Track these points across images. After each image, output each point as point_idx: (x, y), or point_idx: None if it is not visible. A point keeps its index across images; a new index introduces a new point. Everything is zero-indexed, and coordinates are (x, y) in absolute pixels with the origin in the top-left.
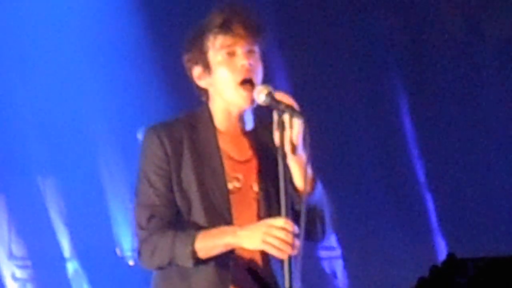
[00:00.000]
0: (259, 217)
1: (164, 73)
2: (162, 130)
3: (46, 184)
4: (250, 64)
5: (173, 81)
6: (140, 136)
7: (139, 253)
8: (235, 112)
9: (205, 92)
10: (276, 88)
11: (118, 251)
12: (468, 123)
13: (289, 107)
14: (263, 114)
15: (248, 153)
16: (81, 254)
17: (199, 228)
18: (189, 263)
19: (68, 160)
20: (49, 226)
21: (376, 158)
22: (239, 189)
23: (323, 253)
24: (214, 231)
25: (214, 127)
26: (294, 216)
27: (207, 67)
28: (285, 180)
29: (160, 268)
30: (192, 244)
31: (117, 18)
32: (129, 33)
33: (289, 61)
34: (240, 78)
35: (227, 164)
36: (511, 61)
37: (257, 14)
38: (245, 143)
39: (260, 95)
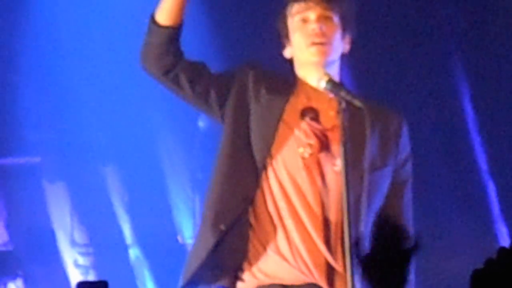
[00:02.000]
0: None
1: (224, 59)
2: (259, 69)
3: (107, 172)
4: (320, 28)
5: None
6: (201, 123)
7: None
8: (311, 73)
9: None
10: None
11: (179, 238)
12: None
13: (350, 94)
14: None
15: (329, 127)
16: (142, 241)
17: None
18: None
19: (129, 147)
20: (111, 213)
21: (437, 145)
22: (310, 156)
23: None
24: None
25: (296, 83)
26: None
27: (287, 36)
28: (346, 165)
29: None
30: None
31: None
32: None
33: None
34: (310, 40)
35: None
36: None
37: None
38: (327, 106)
39: (321, 82)
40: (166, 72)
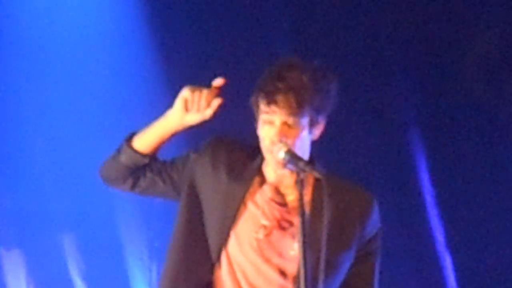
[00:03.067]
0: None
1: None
2: (223, 142)
3: (64, 240)
4: (280, 140)
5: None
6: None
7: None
8: (275, 169)
9: None
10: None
11: None
12: (489, 182)
13: (308, 165)
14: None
15: (292, 206)
16: None
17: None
18: (124, 146)
19: (86, 215)
20: (67, 281)
21: (394, 217)
22: (266, 235)
23: None
24: None
25: (258, 174)
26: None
27: (257, 119)
28: (303, 241)
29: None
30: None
31: (126, 27)
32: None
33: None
34: (269, 148)
35: (261, 209)
36: None
37: (316, 78)
38: (291, 196)
39: (280, 153)
40: (132, 188)
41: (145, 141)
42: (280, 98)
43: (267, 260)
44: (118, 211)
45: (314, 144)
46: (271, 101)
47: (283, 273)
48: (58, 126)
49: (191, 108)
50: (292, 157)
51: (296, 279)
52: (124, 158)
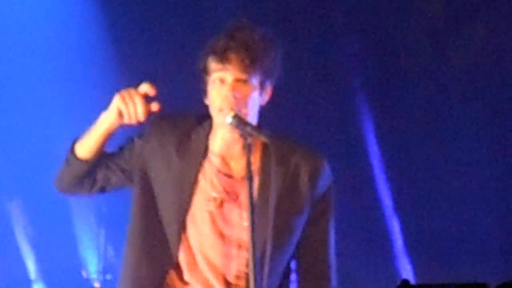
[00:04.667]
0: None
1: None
2: (163, 120)
3: (12, 206)
4: (234, 96)
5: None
6: None
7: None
8: (223, 133)
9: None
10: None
11: (83, 273)
12: (435, 146)
13: (255, 129)
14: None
15: (240, 174)
16: (47, 276)
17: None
18: (70, 155)
19: (34, 181)
20: (15, 248)
21: (342, 179)
22: (216, 207)
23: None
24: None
25: (205, 146)
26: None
27: (206, 82)
28: (252, 208)
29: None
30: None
31: (79, 30)
32: (93, 50)
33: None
34: (221, 106)
35: (208, 170)
36: (476, 83)
37: (265, 40)
38: (239, 164)
39: (227, 117)
40: (90, 191)
41: (87, 147)
42: (232, 55)
43: (222, 235)
44: None
45: (262, 109)
46: (223, 58)
47: (239, 245)
48: (4, 93)
49: (126, 117)
50: (239, 122)
51: (242, 248)
52: (74, 167)
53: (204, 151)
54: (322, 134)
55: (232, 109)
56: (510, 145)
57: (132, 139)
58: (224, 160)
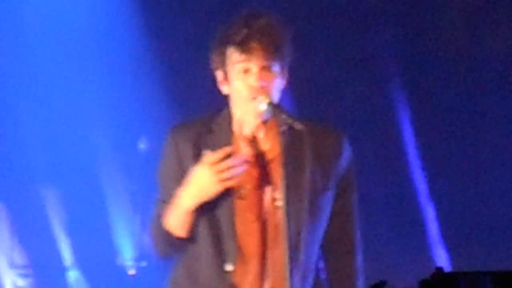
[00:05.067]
0: (275, 227)
1: (166, 81)
2: (179, 132)
3: (47, 193)
4: (261, 84)
5: (175, 89)
6: (141, 145)
7: (150, 247)
8: (251, 122)
9: (226, 95)
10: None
11: (118, 260)
12: (471, 133)
13: (291, 117)
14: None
15: (265, 159)
16: (82, 263)
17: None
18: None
19: (69, 169)
20: (50, 235)
21: (378, 168)
22: (247, 195)
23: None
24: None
25: (231, 134)
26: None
27: (226, 76)
28: (286, 187)
29: (171, 253)
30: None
31: (118, 26)
32: (131, 42)
33: (290, 73)
34: (251, 95)
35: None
36: None
37: (280, 25)
38: (266, 148)
39: (261, 105)
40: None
41: (187, 227)
42: (255, 44)
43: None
44: (101, 164)
45: (300, 98)
46: (246, 48)
47: (275, 227)
48: (39, 76)
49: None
50: (275, 109)
51: (278, 231)
52: (178, 244)
53: (231, 139)
54: (358, 122)
55: (266, 97)
56: None
57: (171, 170)
58: (251, 145)
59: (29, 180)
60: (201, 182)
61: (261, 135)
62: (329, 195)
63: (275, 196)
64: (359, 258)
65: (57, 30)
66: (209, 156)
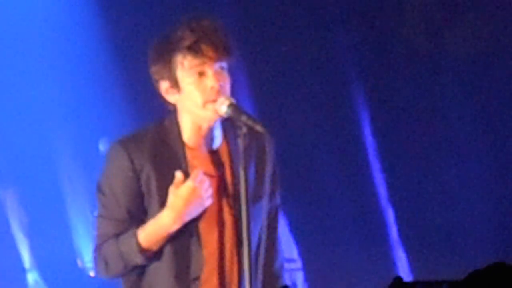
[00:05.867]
0: (236, 231)
1: (126, 83)
2: (131, 145)
3: (6, 195)
4: (220, 86)
5: (134, 91)
6: (102, 147)
7: (95, 268)
8: (204, 127)
9: (172, 105)
10: (238, 102)
11: (79, 262)
12: (431, 137)
13: (251, 119)
14: (231, 129)
15: (219, 169)
16: (41, 265)
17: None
18: (138, 257)
19: (28, 170)
20: (9, 236)
21: (337, 170)
22: (210, 206)
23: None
24: (152, 221)
25: (182, 142)
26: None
27: (175, 84)
28: (246, 194)
29: (123, 275)
30: (135, 236)
31: (76, 26)
32: (89, 41)
33: (249, 74)
34: (209, 99)
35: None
36: (473, 74)
37: (224, 28)
38: (215, 158)
39: (222, 107)
40: None
41: (153, 238)
42: (204, 46)
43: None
44: (60, 165)
45: (260, 99)
46: (198, 51)
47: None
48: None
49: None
50: (235, 111)
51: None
52: (126, 251)
53: (184, 150)
54: (318, 126)
55: (227, 98)
56: (507, 136)
57: (126, 186)
58: (205, 160)
59: None
60: (192, 202)
61: (216, 141)
62: (264, 200)
63: (231, 204)
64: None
65: (14, 34)
66: (196, 176)
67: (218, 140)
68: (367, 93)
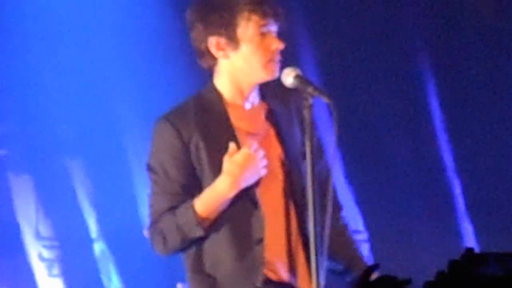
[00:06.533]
0: (290, 186)
1: (190, 56)
2: (176, 118)
3: (73, 165)
4: (282, 46)
5: (200, 65)
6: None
7: (153, 244)
8: (250, 85)
9: (212, 65)
10: (303, 72)
11: (145, 232)
12: (498, 109)
13: (317, 90)
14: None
15: (264, 125)
16: (108, 235)
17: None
18: (198, 229)
19: (95, 141)
20: (76, 207)
21: (403, 141)
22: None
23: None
24: (208, 190)
25: (224, 105)
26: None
27: (232, 40)
28: (312, 159)
29: (181, 249)
30: (192, 206)
31: (143, 6)
32: (156, 19)
33: (315, 45)
34: (273, 59)
35: (242, 140)
36: None
37: None
38: (258, 115)
39: (288, 78)
40: None
41: (210, 207)
42: (267, 7)
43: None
44: (126, 136)
45: (325, 69)
46: (264, 11)
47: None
48: (65, 51)
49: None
50: (301, 82)
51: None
52: (184, 223)
53: (227, 113)
54: (383, 98)
55: (294, 69)
56: None
57: (176, 158)
58: (250, 120)
59: (55, 152)
60: (247, 169)
61: (254, 100)
62: None
63: (282, 159)
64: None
65: (82, 19)
66: (251, 144)
67: (257, 98)
68: (434, 64)
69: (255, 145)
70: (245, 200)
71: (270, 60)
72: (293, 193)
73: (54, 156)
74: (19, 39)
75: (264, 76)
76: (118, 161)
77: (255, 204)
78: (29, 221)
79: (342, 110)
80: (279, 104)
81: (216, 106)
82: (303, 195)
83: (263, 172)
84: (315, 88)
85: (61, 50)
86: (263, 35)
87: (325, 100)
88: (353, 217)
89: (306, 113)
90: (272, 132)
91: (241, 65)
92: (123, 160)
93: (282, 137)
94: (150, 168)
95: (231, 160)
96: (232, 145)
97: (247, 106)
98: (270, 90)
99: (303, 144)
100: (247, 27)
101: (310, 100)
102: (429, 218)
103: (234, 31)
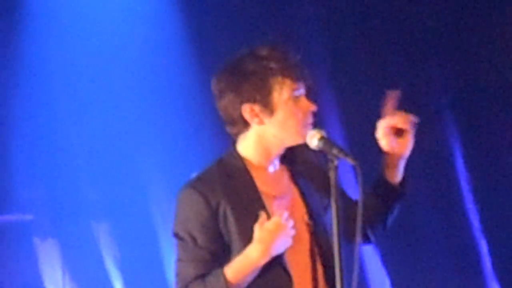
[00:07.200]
0: (315, 247)
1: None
2: (203, 186)
3: (99, 229)
4: (314, 111)
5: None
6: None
7: None
8: (280, 149)
9: (242, 132)
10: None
11: None
12: None
13: (342, 151)
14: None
15: (288, 186)
16: None
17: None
18: None
19: (121, 204)
20: (102, 271)
21: (430, 202)
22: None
23: None
24: (238, 258)
25: (249, 170)
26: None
27: (268, 106)
28: (337, 222)
29: None
30: (222, 274)
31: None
32: (184, 76)
33: (339, 104)
34: (308, 122)
35: (269, 204)
36: None
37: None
38: (281, 177)
39: (313, 140)
40: None
41: (240, 275)
42: (296, 71)
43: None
44: (152, 200)
45: (348, 128)
46: (295, 75)
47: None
48: (91, 114)
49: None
50: (326, 144)
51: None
52: None
53: (252, 179)
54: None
55: (319, 132)
56: None
57: (204, 226)
58: (275, 183)
59: (82, 216)
60: (278, 237)
61: (276, 163)
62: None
63: (306, 220)
64: None
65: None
66: (281, 213)
67: (277, 160)
68: (459, 123)
69: (285, 214)
70: (274, 265)
71: (305, 124)
72: (319, 252)
73: (80, 220)
74: (47, 103)
75: (297, 140)
76: (144, 225)
77: (283, 268)
78: (56, 286)
79: (365, 172)
80: (298, 164)
81: (241, 171)
82: (329, 251)
83: (290, 242)
84: (340, 150)
85: (85, 114)
86: (296, 98)
87: (350, 162)
88: (380, 279)
89: (331, 174)
90: (296, 193)
91: (276, 130)
92: (150, 224)
93: (305, 197)
94: (177, 236)
95: (263, 228)
96: (263, 214)
97: (271, 169)
98: (290, 152)
99: (323, 196)
100: (281, 92)
101: (336, 162)
102: (457, 278)
103: (269, 97)
